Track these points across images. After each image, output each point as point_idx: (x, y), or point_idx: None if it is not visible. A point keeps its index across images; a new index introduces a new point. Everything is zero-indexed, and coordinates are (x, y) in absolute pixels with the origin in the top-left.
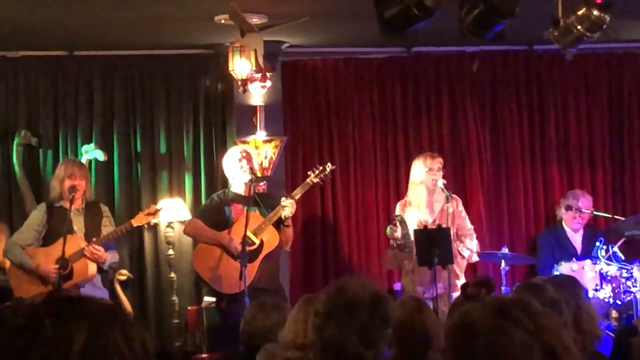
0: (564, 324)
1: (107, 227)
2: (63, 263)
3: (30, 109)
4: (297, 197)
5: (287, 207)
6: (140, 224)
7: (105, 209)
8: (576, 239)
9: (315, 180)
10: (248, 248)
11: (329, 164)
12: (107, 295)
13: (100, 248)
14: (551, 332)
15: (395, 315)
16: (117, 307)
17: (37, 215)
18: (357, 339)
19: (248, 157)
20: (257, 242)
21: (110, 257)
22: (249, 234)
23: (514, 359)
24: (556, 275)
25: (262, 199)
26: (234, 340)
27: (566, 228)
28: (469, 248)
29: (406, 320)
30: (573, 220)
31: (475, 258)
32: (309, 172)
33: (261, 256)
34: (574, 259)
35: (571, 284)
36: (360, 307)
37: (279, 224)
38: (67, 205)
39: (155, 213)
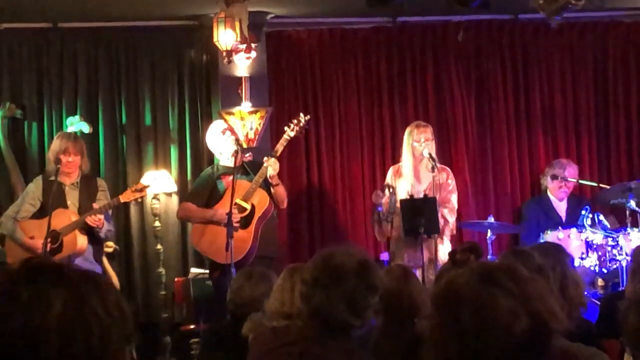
0: (550, 290)
1: (101, 201)
2: (53, 236)
3: (14, 82)
4: (278, 153)
5: (270, 165)
6: (127, 200)
7: (102, 183)
8: (561, 208)
9: (292, 133)
10: (241, 214)
11: (302, 114)
12: (100, 270)
13: (101, 217)
14: (537, 298)
15: (382, 283)
16: (94, 273)
17: (32, 189)
18: (345, 306)
19: (230, 129)
20: (249, 206)
21: (107, 226)
22: (239, 201)
23: (501, 324)
24: (542, 243)
25: (250, 167)
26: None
27: (551, 197)
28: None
29: (393, 288)
30: (559, 189)
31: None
32: (285, 128)
33: (255, 220)
34: (559, 227)
35: (557, 251)
36: (347, 275)
37: (268, 186)
38: (62, 178)
39: (142, 190)
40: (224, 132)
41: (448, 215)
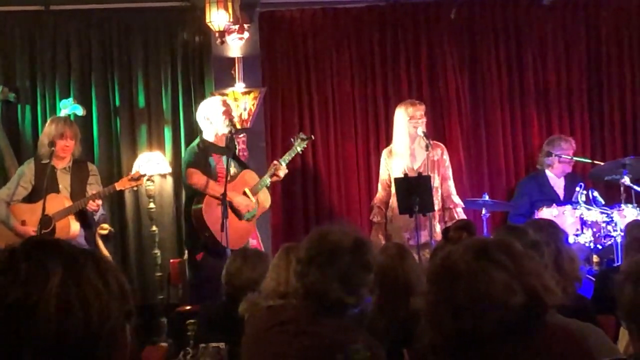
0: (545, 265)
1: (93, 185)
2: (46, 221)
3: (7, 65)
4: (286, 162)
5: (281, 170)
6: (123, 188)
7: (92, 167)
8: (559, 185)
9: (299, 148)
10: (252, 205)
11: (312, 136)
12: None
13: (99, 201)
14: (532, 273)
15: (376, 261)
16: (93, 250)
17: (24, 172)
18: (339, 284)
19: (229, 110)
20: (254, 201)
21: (101, 210)
22: (247, 191)
23: (496, 299)
24: (535, 219)
25: (237, 159)
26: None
27: (549, 174)
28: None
29: (388, 266)
30: (559, 165)
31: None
32: (292, 139)
33: (255, 218)
34: (554, 204)
35: (550, 227)
36: (342, 253)
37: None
38: (55, 162)
39: (139, 179)
40: (223, 113)
41: (455, 197)
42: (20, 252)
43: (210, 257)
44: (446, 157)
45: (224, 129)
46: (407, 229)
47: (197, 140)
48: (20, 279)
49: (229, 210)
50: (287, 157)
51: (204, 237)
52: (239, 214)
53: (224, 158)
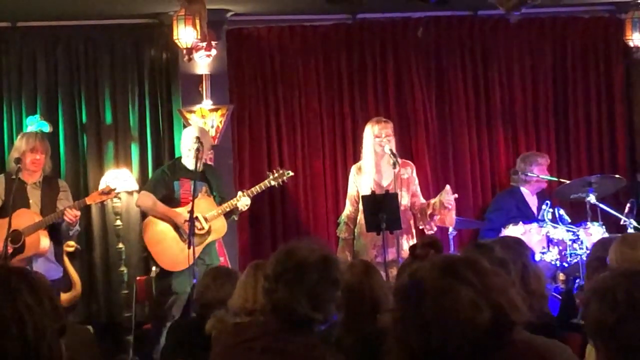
0: (512, 282)
1: (63, 201)
2: (15, 236)
3: None
4: (253, 194)
5: (244, 203)
6: (94, 202)
7: (63, 184)
8: (533, 203)
9: (274, 182)
10: (196, 230)
11: (290, 171)
12: (61, 270)
13: (78, 213)
14: (499, 290)
15: (343, 279)
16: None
17: None
18: (307, 301)
19: (200, 149)
20: (206, 227)
21: (77, 225)
22: (200, 217)
23: (462, 316)
24: (502, 237)
25: (209, 173)
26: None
27: (524, 191)
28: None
29: (355, 283)
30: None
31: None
32: (268, 173)
33: (205, 243)
34: (520, 222)
35: (517, 244)
36: (309, 270)
37: (229, 214)
38: (25, 177)
39: (109, 193)
40: (194, 149)
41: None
42: None
43: (159, 276)
44: (415, 175)
45: (191, 164)
46: (374, 246)
47: (168, 163)
48: None
49: (173, 232)
50: (257, 190)
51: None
52: (182, 235)
53: (192, 182)
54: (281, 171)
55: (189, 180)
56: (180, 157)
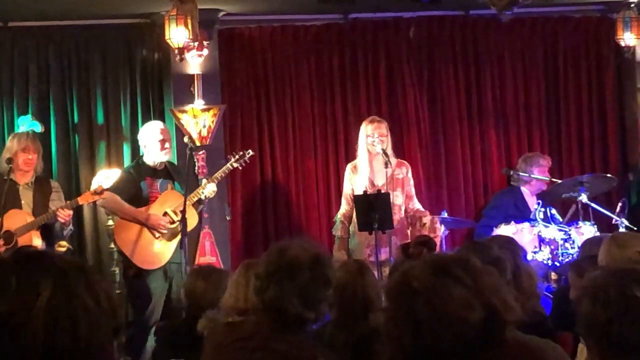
0: (505, 281)
1: (55, 201)
2: (7, 237)
3: None
4: (218, 179)
5: (210, 190)
6: (86, 202)
7: (55, 184)
8: (532, 203)
9: (236, 164)
10: (168, 226)
11: (249, 151)
12: None
13: (70, 212)
14: (491, 289)
15: (335, 277)
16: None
17: None
18: (299, 300)
19: (166, 139)
20: (177, 220)
21: (70, 225)
22: (169, 211)
23: (455, 315)
24: (495, 236)
25: (173, 170)
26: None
27: (525, 191)
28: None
29: (347, 282)
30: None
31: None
32: (229, 156)
33: (179, 235)
34: (512, 221)
35: (509, 244)
36: (301, 269)
37: (198, 203)
38: (17, 178)
39: (101, 192)
40: (160, 142)
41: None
42: (10, 265)
43: (137, 277)
44: (410, 176)
45: (160, 156)
46: (368, 245)
47: (132, 163)
48: (10, 292)
49: (144, 230)
50: (221, 174)
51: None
52: (152, 232)
53: (159, 181)
54: (241, 152)
55: (155, 179)
56: (142, 156)
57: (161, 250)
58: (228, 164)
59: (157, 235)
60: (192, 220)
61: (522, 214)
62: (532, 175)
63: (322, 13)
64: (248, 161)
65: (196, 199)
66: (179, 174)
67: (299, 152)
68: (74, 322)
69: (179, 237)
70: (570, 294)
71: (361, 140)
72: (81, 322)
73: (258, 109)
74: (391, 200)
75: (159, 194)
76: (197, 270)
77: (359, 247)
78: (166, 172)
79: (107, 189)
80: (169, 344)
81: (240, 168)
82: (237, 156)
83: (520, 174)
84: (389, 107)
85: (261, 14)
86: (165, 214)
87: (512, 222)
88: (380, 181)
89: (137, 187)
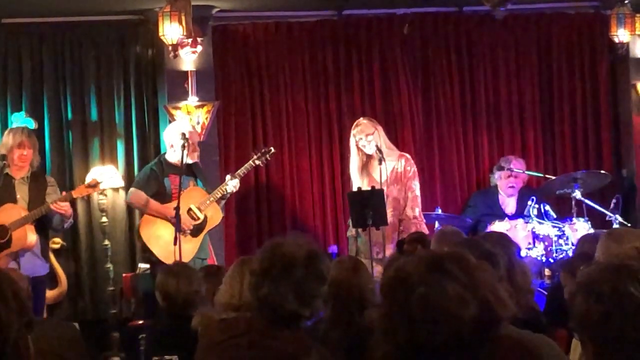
0: (499, 277)
1: (52, 195)
2: (1, 231)
3: None
4: (241, 175)
5: (234, 185)
6: (80, 196)
7: (51, 179)
8: (508, 203)
9: (258, 162)
10: (192, 222)
11: (271, 148)
12: (47, 267)
13: (66, 204)
14: (486, 285)
15: (330, 273)
16: None
17: None
18: (294, 296)
19: (195, 140)
20: (202, 217)
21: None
22: (194, 207)
23: (449, 311)
24: (488, 232)
25: (195, 169)
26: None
27: (501, 192)
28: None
29: (342, 279)
30: (507, 181)
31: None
32: (251, 153)
33: (204, 232)
34: (506, 218)
35: (503, 239)
36: (296, 265)
37: (221, 199)
38: (12, 172)
39: (95, 186)
40: (183, 145)
41: (410, 211)
42: None
43: (150, 273)
44: (409, 167)
45: (186, 159)
46: (376, 243)
47: (155, 160)
48: None
49: (169, 226)
50: (244, 171)
51: (146, 254)
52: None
53: (182, 178)
54: (264, 150)
55: (177, 176)
56: (164, 153)
57: (186, 247)
58: (250, 161)
59: (182, 232)
60: (217, 216)
61: (496, 213)
62: (527, 172)
63: (316, 10)
64: (270, 158)
65: (220, 194)
66: (201, 173)
67: (293, 149)
68: None
69: (204, 233)
70: (564, 293)
71: (351, 144)
72: None
73: (252, 105)
74: (393, 195)
75: (182, 190)
76: (165, 269)
77: (366, 246)
78: (189, 168)
79: (133, 186)
80: (157, 344)
81: (262, 165)
82: (259, 153)
83: (495, 171)
84: (383, 104)
85: (255, 10)
86: (189, 210)
87: (506, 218)
88: (382, 179)
89: (160, 184)
